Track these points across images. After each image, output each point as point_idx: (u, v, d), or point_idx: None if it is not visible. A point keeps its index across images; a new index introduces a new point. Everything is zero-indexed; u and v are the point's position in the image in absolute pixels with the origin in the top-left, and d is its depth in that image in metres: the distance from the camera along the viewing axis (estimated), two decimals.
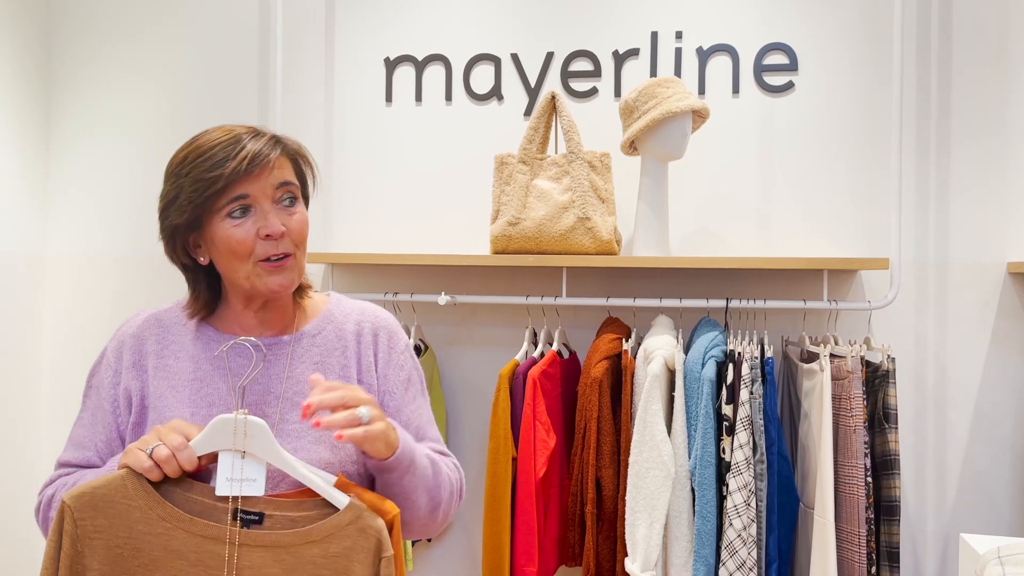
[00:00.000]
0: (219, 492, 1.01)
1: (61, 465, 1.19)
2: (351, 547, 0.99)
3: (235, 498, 1.00)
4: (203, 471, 1.05)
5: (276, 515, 1.00)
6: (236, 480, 1.00)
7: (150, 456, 1.00)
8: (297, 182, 1.18)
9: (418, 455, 1.14)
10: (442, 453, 1.25)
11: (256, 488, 1.01)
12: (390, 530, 1.01)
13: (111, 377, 1.19)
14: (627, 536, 1.81)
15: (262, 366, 1.15)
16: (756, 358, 1.83)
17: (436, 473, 1.18)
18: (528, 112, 2.29)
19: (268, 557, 0.99)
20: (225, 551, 0.99)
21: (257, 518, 1.00)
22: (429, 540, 2.32)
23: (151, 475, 1.00)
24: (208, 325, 1.21)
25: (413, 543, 2.24)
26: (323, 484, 1.01)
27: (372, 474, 1.14)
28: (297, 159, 1.20)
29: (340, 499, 1.00)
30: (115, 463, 1.08)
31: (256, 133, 1.15)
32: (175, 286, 1.27)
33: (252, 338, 1.15)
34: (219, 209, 1.11)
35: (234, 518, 1.00)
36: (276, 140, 1.16)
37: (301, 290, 1.25)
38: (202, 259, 1.17)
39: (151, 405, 1.16)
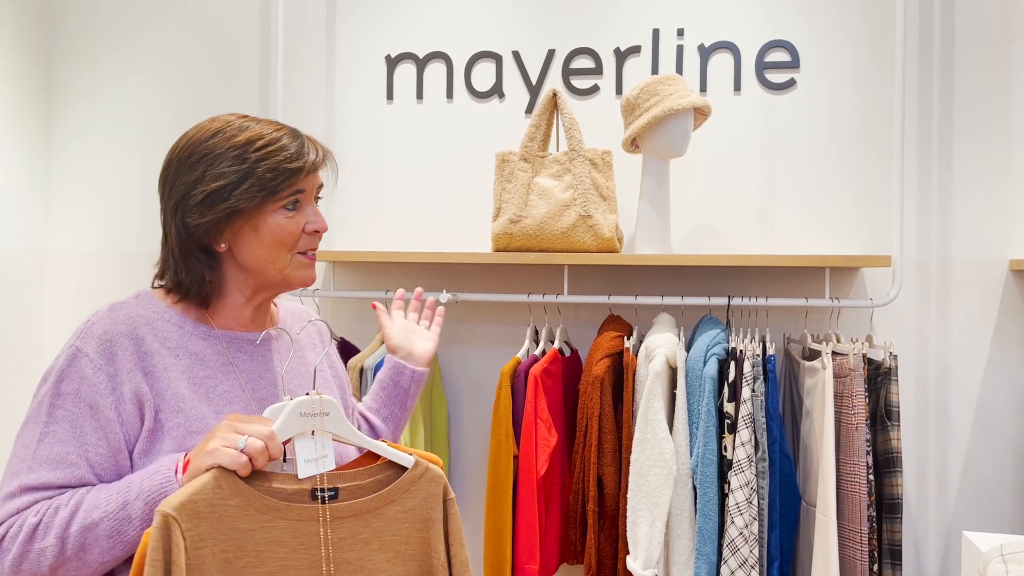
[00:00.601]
0: (302, 475, 1.02)
1: (29, 490, 1.02)
2: (425, 497, 1.08)
3: (315, 477, 1.03)
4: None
5: (347, 486, 1.05)
6: (314, 460, 1.03)
7: (243, 451, 0.97)
8: None
9: None
10: None
11: (329, 464, 1.04)
12: None
13: (105, 382, 1.06)
14: (629, 534, 1.81)
15: (328, 348, 1.30)
16: (758, 356, 1.82)
17: None
18: (529, 110, 2.28)
19: (358, 525, 1.04)
20: (319, 529, 1.02)
21: (334, 492, 1.04)
22: None
23: (245, 471, 0.97)
24: (197, 322, 1.16)
25: None
26: (387, 448, 1.08)
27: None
28: (326, 163, 1.26)
29: (406, 458, 1.08)
30: (167, 470, 1.01)
31: (304, 134, 1.21)
32: (142, 284, 1.24)
33: (276, 330, 1.24)
34: (280, 199, 1.15)
35: (312, 497, 1.02)
36: (312, 142, 1.23)
37: None
38: (222, 246, 1.15)
39: (171, 407, 1.08)
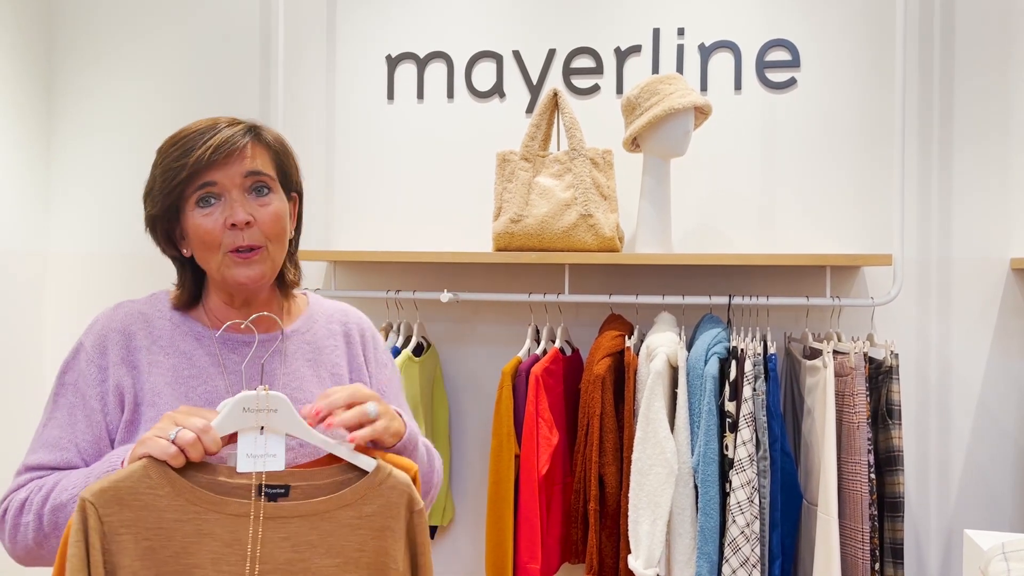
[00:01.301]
0: (240, 469, 1.00)
1: (29, 469, 1.12)
2: (385, 504, 1.02)
3: (259, 474, 1.00)
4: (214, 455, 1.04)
5: (302, 485, 1.01)
6: (257, 456, 1.00)
7: (173, 442, 0.97)
8: (272, 173, 1.16)
9: (420, 441, 1.18)
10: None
11: (277, 463, 1.01)
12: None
13: (95, 373, 1.13)
14: (630, 533, 1.81)
15: (253, 349, 1.14)
16: (759, 355, 1.82)
17: (430, 459, 1.24)
18: (530, 109, 2.28)
19: (304, 526, 1.01)
20: (259, 526, 1.00)
21: (283, 490, 1.01)
22: (432, 537, 2.32)
23: (176, 461, 0.97)
24: (195, 320, 1.18)
25: None
26: (347, 450, 1.03)
27: None
28: (277, 149, 1.18)
29: (367, 462, 1.03)
30: (116, 458, 1.05)
31: (233, 122, 1.14)
32: (160, 285, 1.25)
33: (247, 322, 1.13)
34: (189, 198, 1.11)
35: (259, 494, 1.00)
36: (250, 128, 1.15)
37: (286, 289, 1.24)
38: (185, 251, 1.16)
39: (147, 402, 1.12)
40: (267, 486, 1.00)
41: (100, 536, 0.95)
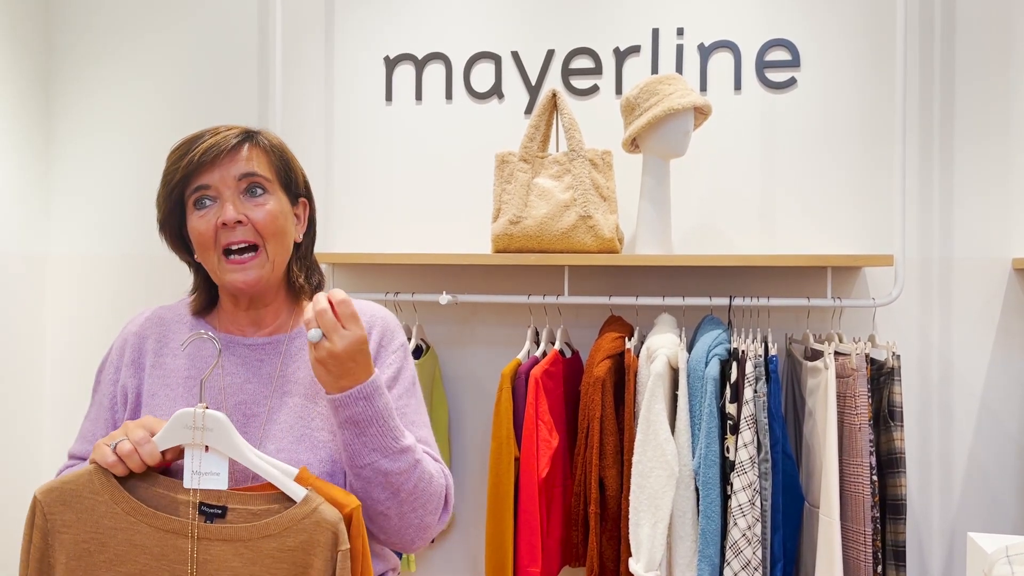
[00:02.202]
0: (186, 485, 1.02)
1: (71, 457, 1.21)
2: (307, 540, 0.98)
3: (195, 492, 1.01)
4: (170, 466, 1.05)
5: (238, 508, 1.00)
6: (199, 474, 1.01)
7: (114, 451, 1.01)
8: (269, 175, 1.16)
9: (418, 453, 1.10)
10: (433, 459, 1.18)
11: (219, 482, 1.01)
12: (348, 523, 1.00)
13: (112, 374, 1.20)
14: (631, 536, 1.80)
15: (218, 361, 1.12)
16: (760, 356, 1.81)
17: (417, 464, 1.10)
18: (529, 110, 2.27)
19: (228, 551, 0.99)
20: (187, 545, 1.00)
21: (220, 511, 1.00)
22: (432, 540, 2.31)
23: (115, 470, 1.01)
24: (208, 324, 1.23)
25: None
26: (281, 477, 1.01)
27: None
28: (276, 152, 1.19)
29: (297, 492, 1.00)
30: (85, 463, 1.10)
31: (228, 128, 1.16)
32: (177, 285, 1.27)
33: (210, 333, 1.12)
34: (186, 201, 1.15)
35: (199, 512, 1.00)
36: (245, 132, 1.16)
37: (297, 291, 1.23)
38: (197, 255, 1.19)
39: (144, 403, 1.17)
40: (204, 505, 1.01)
41: (43, 532, 1.01)
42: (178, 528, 1.00)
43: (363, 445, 1.06)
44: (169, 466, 1.05)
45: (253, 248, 1.14)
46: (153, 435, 1.02)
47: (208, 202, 1.13)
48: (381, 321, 1.25)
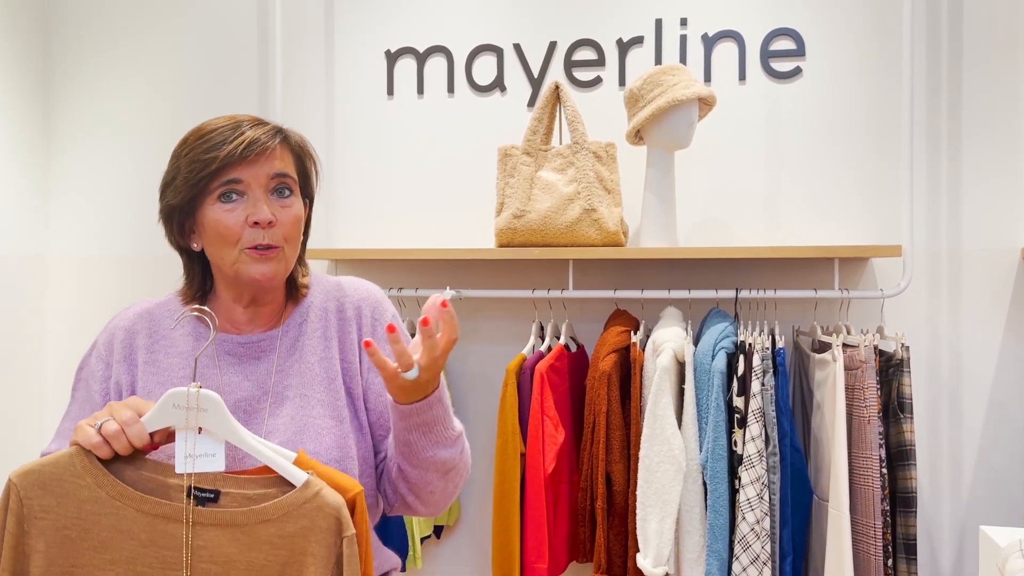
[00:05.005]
0: (178, 470, 0.96)
1: (44, 456, 1.16)
2: (308, 526, 0.95)
3: (189, 475, 0.96)
4: (157, 449, 1.00)
5: (232, 492, 0.96)
6: (193, 456, 0.96)
7: (99, 432, 0.96)
8: (295, 176, 1.17)
9: (448, 408, 1.11)
10: None
11: (215, 464, 0.96)
12: (352, 508, 0.96)
13: (102, 370, 1.17)
14: (638, 531, 1.78)
15: (214, 336, 1.10)
16: (767, 349, 1.80)
17: (464, 445, 1.15)
18: (531, 103, 2.26)
19: (224, 536, 0.95)
20: (179, 530, 0.95)
21: (212, 496, 0.96)
22: (438, 537, 2.31)
23: (100, 452, 0.96)
24: (198, 322, 1.20)
25: (422, 540, 2.22)
26: (280, 460, 0.97)
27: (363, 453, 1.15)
28: (300, 153, 1.19)
29: (298, 476, 0.96)
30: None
31: (258, 122, 1.14)
32: (177, 285, 1.25)
33: (206, 307, 1.10)
34: (212, 192, 1.11)
35: (189, 496, 0.96)
36: (278, 130, 1.15)
37: (296, 290, 1.22)
38: (195, 245, 1.17)
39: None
40: (197, 489, 0.96)
41: (17, 518, 0.95)
42: (169, 513, 0.95)
43: (428, 442, 1.08)
44: (155, 448, 1.00)
45: (275, 247, 1.13)
46: (141, 416, 0.98)
47: (235, 196, 1.11)
48: (367, 295, 1.24)
